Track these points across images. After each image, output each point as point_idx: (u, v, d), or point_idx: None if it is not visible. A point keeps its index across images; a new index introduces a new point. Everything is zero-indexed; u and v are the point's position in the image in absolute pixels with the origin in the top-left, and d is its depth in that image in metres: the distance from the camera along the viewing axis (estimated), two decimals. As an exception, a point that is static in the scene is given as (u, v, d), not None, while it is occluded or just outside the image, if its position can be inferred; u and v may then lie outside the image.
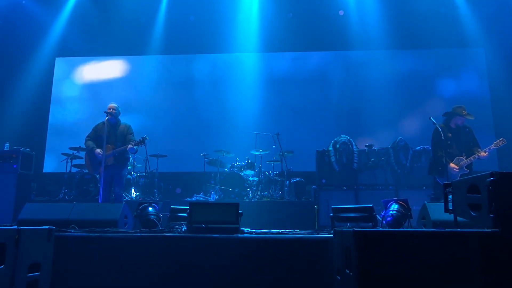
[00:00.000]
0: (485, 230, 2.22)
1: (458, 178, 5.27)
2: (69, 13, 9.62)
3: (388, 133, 8.39)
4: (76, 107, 9.89)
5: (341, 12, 9.20)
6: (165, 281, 3.27)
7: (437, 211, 3.99)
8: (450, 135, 5.48)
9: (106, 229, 3.85)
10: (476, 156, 5.31)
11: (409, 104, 9.06)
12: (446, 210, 2.73)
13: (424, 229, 3.37)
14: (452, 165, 5.40)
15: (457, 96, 9.02)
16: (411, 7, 8.87)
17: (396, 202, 4.34)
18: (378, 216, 4.37)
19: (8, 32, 9.85)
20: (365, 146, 7.20)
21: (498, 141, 5.34)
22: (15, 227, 2.31)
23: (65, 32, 9.73)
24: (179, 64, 9.97)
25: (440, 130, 5.41)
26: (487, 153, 5.28)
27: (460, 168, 5.37)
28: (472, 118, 5.48)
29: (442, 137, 5.34)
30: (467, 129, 5.51)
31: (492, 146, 5.33)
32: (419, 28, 8.85)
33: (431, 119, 5.60)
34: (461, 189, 2.57)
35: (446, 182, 2.88)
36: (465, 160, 5.35)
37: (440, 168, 5.46)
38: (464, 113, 5.45)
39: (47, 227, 2.56)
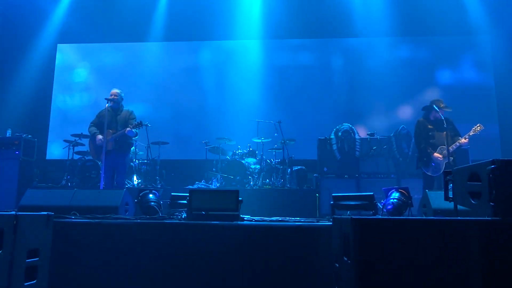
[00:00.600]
0: (486, 218, 2.20)
1: (443, 167, 5.44)
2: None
3: (390, 122, 8.35)
4: (78, 93, 9.88)
5: None
6: (165, 267, 3.28)
7: (438, 200, 3.97)
8: (431, 127, 5.71)
9: (106, 215, 3.86)
10: (458, 144, 5.51)
11: (412, 92, 8.98)
12: (446, 198, 2.71)
13: (424, 217, 3.35)
14: (436, 154, 5.58)
15: (460, 84, 8.95)
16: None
17: (397, 190, 4.32)
18: (378, 204, 4.36)
19: (10, 19, 9.79)
20: (367, 134, 7.17)
21: (476, 127, 5.53)
22: (13, 212, 2.31)
23: (66, 19, 9.67)
24: (181, 51, 9.91)
25: (421, 123, 5.79)
26: (467, 139, 5.50)
27: (444, 157, 5.52)
28: (449, 110, 5.70)
29: (428, 127, 5.69)
30: (449, 121, 5.67)
31: (471, 133, 5.52)
32: (423, 15, 8.73)
33: (424, 109, 5.86)
34: (462, 177, 2.55)
35: (446, 171, 2.86)
36: (449, 148, 5.48)
37: (425, 159, 5.69)
38: (441, 105, 5.65)
39: (45, 213, 2.56)
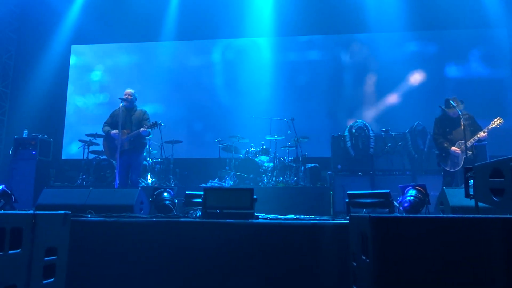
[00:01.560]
0: (509, 216, 2.14)
1: (462, 162, 5.41)
2: (84, 1, 9.63)
3: (406, 118, 8.23)
4: (92, 94, 9.98)
5: None
6: (179, 265, 3.28)
7: (456, 197, 3.90)
8: (448, 123, 5.71)
9: (122, 214, 3.88)
10: (476, 138, 5.43)
11: (428, 87, 8.85)
12: (467, 195, 2.65)
13: (443, 215, 3.29)
14: (453, 148, 5.56)
15: (477, 78, 8.77)
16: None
17: (413, 187, 4.25)
18: (395, 202, 4.30)
19: (25, 21, 9.95)
20: (382, 131, 7.08)
21: (496, 120, 5.45)
22: (31, 211, 2.33)
23: (80, 20, 9.78)
24: (193, 49, 9.92)
25: (437, 121, 5.81)
26: (486, 133, 5.42)
27: (462, 151, 5.47)
28: (462, 107, 5.61)
29: (440, 127, 5.75)
30: (466, 116, 5.60)
31: (490, 126, 5.44)
32: (435, 9, 8.59)
33: (440, 107, 5.82)
34: (483, 173, 2.48)
35: (466, 167, 2.79)
36: (468, 143, 5.42)
37: (443, 155, 5.67)
38: (455, 103, 5.59)
39: (62, 211, 2.58)
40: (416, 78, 8.91)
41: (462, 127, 5.44)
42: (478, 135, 5.41)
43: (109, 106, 8.57)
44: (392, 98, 8.94)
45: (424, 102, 8.65)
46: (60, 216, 2.54)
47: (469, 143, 5.42)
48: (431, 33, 9.17)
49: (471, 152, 5.40)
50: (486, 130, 5.42)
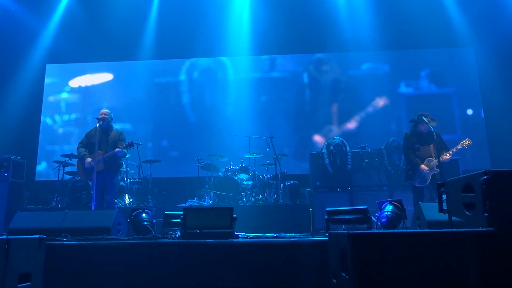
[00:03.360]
0: (480, 229, 2.22)
1: (429, 178, 5.48)
2: (59, 20, 9.54)
3: (381, 134, 8.43)
4: (67, 114, 9.80)
5: None
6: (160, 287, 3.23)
7: (432, 211, 3.99)
8: (417, 140, 5.74)
9: (99, 236, 3.80)
10: (441, 159, 5.51)
11: (400, 105, 9.10)
12: (441, 210, 2.73)
13: (419, 230, 3.36)
14: (422, 166, 5.58)
15: (447, 96, 9.09)
16: (400, 8, 8.91)
17: (390, 203, 4.34)
18: (372, 217, 4.36)
19: (-2, 40, 9.77)
20: (359, 147, 7.22)
21: (464, 141, 5.55)
22: (4, 237, 2.26)
23: (55, 39, 9.65)
24: (171, 68, 9.93)
25: (408, 136, 5.83)
26: (450, 155, 5.53)
27: (431, 168, 5.53)
28: (435, 125, 5.70)
29: (414, 140, 5.71)
30: (434, 133, 5.67)
31: (459, 146, 5.55)
32: (408, 29, 8.89)
33: (413, 121, 5.86)
34: (455, 188, 2.57)
35: (439, 182, 2.88)
36: (434, 161, 5.52)
37: (410, 172, 5.71)
38: (428, 119, 5.66)
39: (37, 236, 2.51)
40: (390, 95, 9.17)
41: (432, 145, 5.56)
42: (442, 157, 5.49)
43: (84, 126, 8.47)
44: (367, 115, 9.14)
45: (397, 119, 8.90)
46: (35, 240, 2.48)
47: (436, 162, 5.49)
48: (405, 52, 9.46)
49: (438, 170, 5.49)
50: (451, 153, 5.52)
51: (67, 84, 9.93)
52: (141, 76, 9.80)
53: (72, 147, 9.21)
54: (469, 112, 9.04)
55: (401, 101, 9.19)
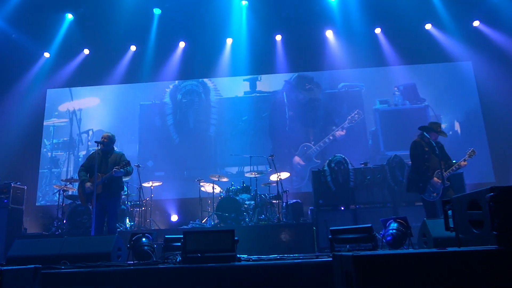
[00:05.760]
0: (489, 247, 2.14)
1: (441, 192, 5.23)
2: (59, 45, 9.64)
3: (382, 151, 8.39)
4: (68, 138, 9.80)
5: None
6: (161, 315, 3.13)
7: (438, 228, 3.90)
8: (427, 149, 5.46)
9: (98, 263, 3.71)
10: (457, 166, 5.34)
11: (401, 121, 9.08)
12: (447, 228, 2.65)
13: (426, 250, 3.27)
14: (435, 179, 5.32)
15: (448, 110, 9.07)
16: (398, 25, 9.01)
17: (395, 220, 4.25)
18: (377, 235, 4.27)
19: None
20: (361, 164, 7.15)
21: (469, 151, 5.41)
22: (-2, 267, 2.20)
23: (55, 64, 9.75)
24: (178, 91, 9.98)
25: (418, 144, 5.50)
26: (466, 162, 5.34)
27: (442, 181, 5.27)
28: (445, 136, 5.61)
29: (425, 150, 5.42)
30: (440, 145, 5.53)
31: (467, 157, 5.38)
32: (406, 45, 8.98)
33: (423, 128, 5.58)
34: (461, 205, 2.50)
35: (444, 200, 2.81)
36: (445, 173, 5.29)
37: (421, 184, 5.39)
38: (438, 129, 5.52)
39: (32, 266, 2.44)
40: (389, 111, 9.17)
41: (438, 155, 5.33)
42: (460, 164, 5.29)
43: (85, 150, 8.46)
44: (368, 132, 9.13)
45: (398, 135, 8.89)
46: (30, 270, 2.41)
47: (448, 173, 5.30)
48: (404, 68, 9.49)
49: (449, 183, 5.31)
50: (466, 158, 5.32)
51: (68, 109, 9.97)
52: (142, 99, 9.90)
53: (73, 171, 9.21)
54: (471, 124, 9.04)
55: (410, 114, 9.19)
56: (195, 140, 9.48)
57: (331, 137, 8.94)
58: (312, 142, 9.15)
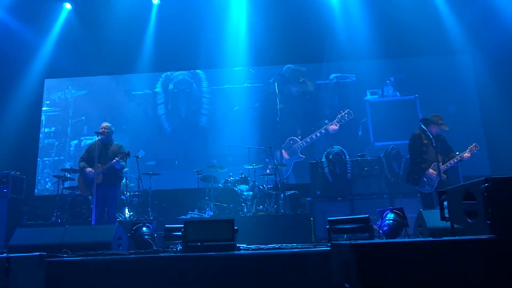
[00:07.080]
0: (483, 237, 2.21)
1: (436, 184, 5.31)
2: (57, 34, 9.60)
3: (372, 142, 8.45)
4: (66, 128, 9.81)
5: None
6: (162, 302, 3.20)
7: (433, 219, 3.98)
8: (426, 141, 5.50)
9: (99, 252, 3.78)
10: (458, 158, 5.37)
11: (391, 112, 9.12)
12: (442, 218, 2.72)
13: (422, 239, 3.35)
14: (431, 170, 5.41)
15: (445, 103, 9.10)
16: (396, 17, 8.99)
17: (391, 211, 4.33)
18: (374, 225, 4.35)
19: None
20: (358, 155, 7.22)
21: (472, 146, 5.41)
22: (4, 255, 2.25)
23: (53, 54, 9.71)
24: (169, 81, 9.98)
25: (416, 136, 5.56)
26: (469, 154, 5.36)
27: (438, 173, 5.35)
28: (447, 129, 5.57)
29: (423, 142, 5.46)
30: (441, 137, 5.56)
31: (468, 151, 5.40)
32: (404, 37, 8.97)
33: (423, 120, 5.65)
34: (456, 196, 2.57)
35: (440, 190, 2.88)
36: (443, 166, 5.37)
37: (415, 176, 5.50)
38: (440, 122, 5.52)
39: (38, 253, 2.50)
40: (387, 104, 9.21)
41: (438, 147, 5.37)
42: (462, 156, 5.32)
43: (84, 140, 8.47)
44: (366, 124, 9.16)
45: (396, 127, 8.93)
46: (36, 258, 2.46)
47: (447, 165, 5.36)
48: (402, 60, 9.51)
49: (445, 176, 5.36)
50: (469, 152, 5.35)
51: (66, 99, 9.96)
52: (139, 89, 9.88)
53: (72, 161, 9.23)
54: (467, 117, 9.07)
55: (399, 106, 9.23)
56: (187, 130, 9.53)
57: (322, 131, 8.95)
58: (299, 137, 9.17)
